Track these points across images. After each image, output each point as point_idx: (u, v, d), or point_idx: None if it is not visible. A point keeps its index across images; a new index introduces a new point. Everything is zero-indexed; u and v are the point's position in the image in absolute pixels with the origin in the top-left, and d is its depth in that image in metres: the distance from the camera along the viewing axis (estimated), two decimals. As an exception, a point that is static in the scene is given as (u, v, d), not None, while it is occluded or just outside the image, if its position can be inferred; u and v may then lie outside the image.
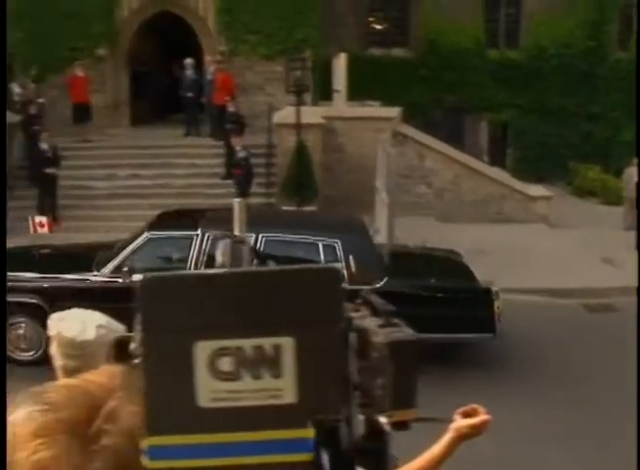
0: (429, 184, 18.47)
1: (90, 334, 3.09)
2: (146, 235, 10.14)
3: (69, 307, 9.42)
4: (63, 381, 1.13)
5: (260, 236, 9.64)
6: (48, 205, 16.53)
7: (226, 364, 1.06)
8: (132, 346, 1.48)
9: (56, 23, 20.43)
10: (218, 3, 20.55)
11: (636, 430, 7.00)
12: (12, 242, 12.34)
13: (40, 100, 19.17)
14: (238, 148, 15.52)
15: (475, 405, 2.33)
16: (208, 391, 1.05)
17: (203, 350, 1.05)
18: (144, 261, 9.83)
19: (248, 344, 1.06)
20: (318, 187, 16.41)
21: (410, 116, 19.48)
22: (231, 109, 17.61)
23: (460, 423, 2.30)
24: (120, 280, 9.57)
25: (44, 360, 9.43)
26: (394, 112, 18.51)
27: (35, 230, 13.98)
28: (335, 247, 9.70)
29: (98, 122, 19.98)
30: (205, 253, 9.68)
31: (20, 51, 19.71)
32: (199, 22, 21.04)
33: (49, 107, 19.60)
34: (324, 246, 9.67)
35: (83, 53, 20.45)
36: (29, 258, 11.05)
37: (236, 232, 1.69)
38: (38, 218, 14.34)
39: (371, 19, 24.57)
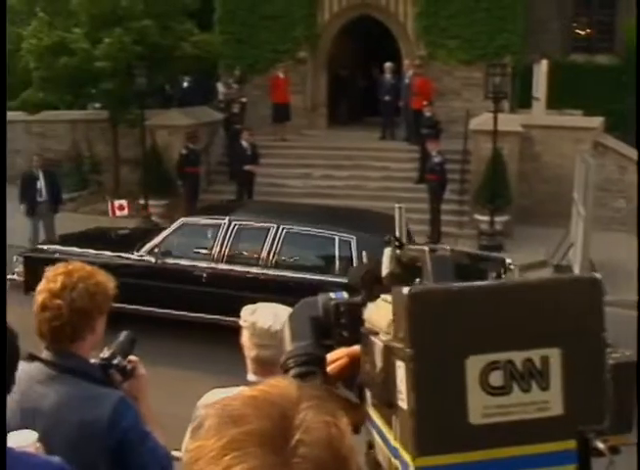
0: (628, 199, 17.65)
1: None
2: (181, 220, 11.04)
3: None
4: (243, 392, 1.09)
5: (281, 227, 10.26)
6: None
7: (497, 379, 1.04)
8: (282, 359, 1.47)
9: (259, 26, 21.15)
10: (418, 8, 20.53)
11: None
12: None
13: (243, 99, 19.86)
14: (433, 153, 15.43)
15: None
16: (480, 406, 1.04)
17: (474, 364, 1.04)
18: (177, 245, 10.78)
19: (517, 356, 1.05)
20: (512, 196, 16.07)
21: (612, 126, 18.71)
22: (428, 113, 17.54)
23: None
24: (153, 260, 10.57)
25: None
26: (596, 121, 17.84)
27: (114, 213, 14.56)
28: (350, 242, 9.96)
29: (296, 123, 20.49)
30: (230, 239, 10.41)
31: (224, 53, 20.48)
32: (398, 26, 21.12)
33: (250, 106, 20.28)
34: (340, 240, 10.00)
35: (285, 55, 21.07)
36: (96, 238, 12.10)
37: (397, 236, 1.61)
38: (118, 202, 14.89)
39: (574, 24, 23.81)
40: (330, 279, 9.85)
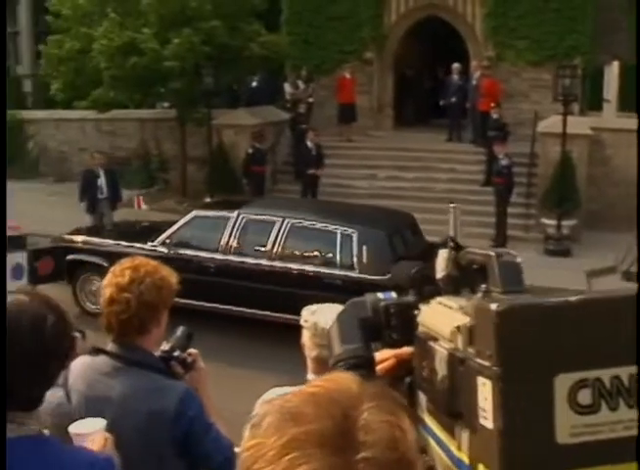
0: (702, 204, 17.23)
1: None
2: (193, 213, 11.51)
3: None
4: (303, 389, 1.07)
5: (286, 221, 10.58)
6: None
7: (586, 397, 1.02)
8: (331, 362, 1.47)
9: (326, 27, 21.19)
10: (486, 8, 20.31)
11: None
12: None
13: (310, 100, 19.92)
14: (500, 156, 15.24)
15: None
16: (568, 426, 1.02)
17: (563, 382, 1.02)
18: (189, 236, 11.20)
19: (606, 374, 1.03)
20: (581, 200, 15.79)
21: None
22: (495, 115, 17.34)
23: None
24: (165, 251, 10.88)
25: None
26: (668, 125, 17.43)
27: (140, 206, 14.91)
28: (352, 236, 10.24)
29: (362, 123, 20.46)
30: (238, 231, 10.79)
31: (291, 53, 20.59)
32: (466, 26, 20.93)
33: (317, 106, 20.36)
34: (342, 234, 10.30)
35: (351, 56, 21.06)
36: (119, 229, 12.77)
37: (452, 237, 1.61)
38: (142, 197, 15.27)
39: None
40: (332, 272, 10.19)
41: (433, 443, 1.30)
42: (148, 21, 17.22)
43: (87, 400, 2.93)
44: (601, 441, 1.02)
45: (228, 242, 10.81)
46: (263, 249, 10.66)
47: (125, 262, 3.05)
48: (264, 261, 10.60)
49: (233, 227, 10.84)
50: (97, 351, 3.07)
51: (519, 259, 1.37)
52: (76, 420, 2.54)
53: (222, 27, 17.34)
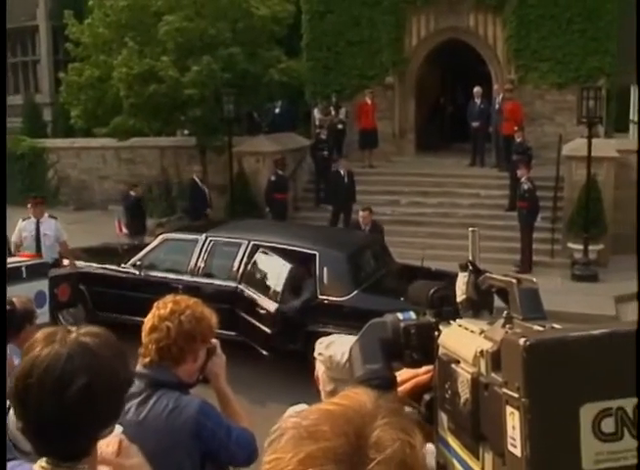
0: None
1: None
2: (163, 236, 11.86)
3: (98, 291, 11.20)
4: (320, 406, 1.12)
5: (251, 242, 10.70)
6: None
7: (609, 425, 1.06)
8: (354, 382, 1.47)
9: (346, 52, 21.12)
10: (508, 31, 20.14)
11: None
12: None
13: (340, 126, 19.84)
14: (522, 180, 15.01)
15: None
16: (593, 453, 1.05)
17: (588, 412, 1.05)
18: (159, 258, 11.44)
19: (629, 403, 1.06)
20: (608, 225, 15.48)
21: None
22: (519, 139, 17.12)
23: None
24: (137, 272, 11.27)
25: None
26: (696, 146, 17.12)
27: (121, 230, 15.18)
28: (313, 258, 10.37)
29: (384, 149, 20.33)
30: (205, 255, 11.04)
31: (311, 79, 20.51)
32: (488, 49, 20.76)
33: (338, 132, 20.21)
34: (304, 255, 10.41)
35: (372, 81, 20.93)
36: (96, 251, 12.98)
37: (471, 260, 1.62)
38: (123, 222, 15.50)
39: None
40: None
41: (455, 462, 1.34)
42: (166, 49, 17.20)
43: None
44: (624, 467, 1.05)
45: (197, 264, 11.02)
46: (230, 270, 10.80)
47: (169, 298, 3.30)
48: (231, 283, 10.66)
49: (201, 249, 11.07)
50: None
51: (537, 286, 1.41)
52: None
53: (242, 54, 17.31)
